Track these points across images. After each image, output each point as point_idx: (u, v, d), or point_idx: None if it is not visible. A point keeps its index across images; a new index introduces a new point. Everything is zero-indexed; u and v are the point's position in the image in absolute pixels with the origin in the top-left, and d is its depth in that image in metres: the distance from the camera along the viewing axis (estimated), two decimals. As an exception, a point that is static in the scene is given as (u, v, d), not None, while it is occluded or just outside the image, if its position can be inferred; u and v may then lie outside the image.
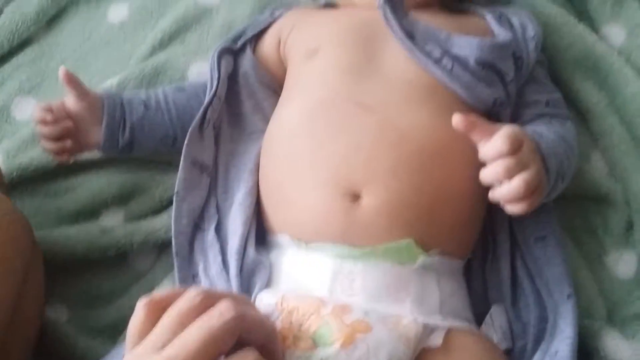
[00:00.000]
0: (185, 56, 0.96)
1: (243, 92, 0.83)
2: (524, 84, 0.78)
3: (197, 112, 0.80)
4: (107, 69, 0.98)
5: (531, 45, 0.77)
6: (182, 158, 0.76)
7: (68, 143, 0.79)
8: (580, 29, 0.87)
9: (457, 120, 0.60)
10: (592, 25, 0.90)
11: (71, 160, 0.84)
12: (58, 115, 0.78)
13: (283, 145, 0.73)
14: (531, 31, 0.78)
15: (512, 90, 0.75)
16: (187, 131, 0.78)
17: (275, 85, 0.84)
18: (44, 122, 0.78)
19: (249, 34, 0.85)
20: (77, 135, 0.80)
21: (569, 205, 0.81)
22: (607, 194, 0.84)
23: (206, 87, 0.83)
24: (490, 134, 0.61)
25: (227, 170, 0.79)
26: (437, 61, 0.70)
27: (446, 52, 0.71)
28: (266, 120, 0.80)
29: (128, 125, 0.81)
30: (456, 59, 0.71)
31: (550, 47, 0.87)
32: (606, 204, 0.83)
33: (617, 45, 0.88)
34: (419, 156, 0.67)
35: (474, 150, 0.63)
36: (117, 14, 1.02)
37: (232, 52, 0.84)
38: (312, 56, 0.76)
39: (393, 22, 0.71)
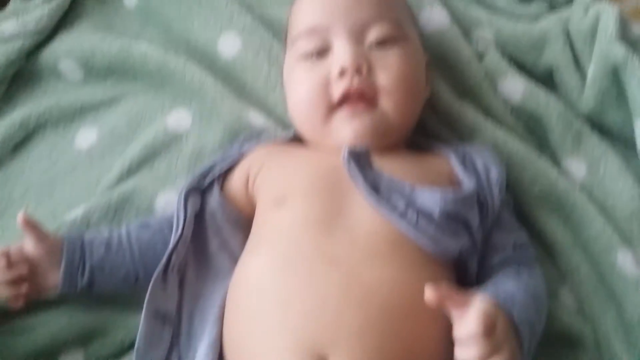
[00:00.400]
0: (153, 184, 0.95)
1: (209, 231, 0.82)
2: (490, 228, 0.78)
3: (161, 249, 0.79)
4: (73, 196, 0.97)
5: (495, 190, 0.78)
6: (144, 310, 0.74)
7: (24, 288, 0.78)
8: (542, 164, 0.89)
9: (429, 293, 0.60)
10: (554, 158, 0.92)
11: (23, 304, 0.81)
12: (14, 260, 0.77)
13: (248, 300, 0.71)
14: (495, 175, 0.79)
15: (478, 238, 0.75)
16: (149, 269, 0.78)
17: (242, 222, 0.83)
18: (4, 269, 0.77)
19: (217, 171, 0.85)
20: (34, 279, 0.79)
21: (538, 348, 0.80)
22: (577, 335, 0.83)
23: (172, 222, 0.82)
24: (464, 305, 0.61)
25: (192, 315, 0.77)
26: (402, 214, 0.71)
27: (410, 205, 0.71)
28: (232, 259, 0.79)
29: (87, 267, 0.80)
30: (421, 211, 0.71)
31: (513, 182, 0.89)
32: (576, 346, 0.82)
33: (578, 179, 0.90)
34: (385, 315, 0.66)
35: (441, 311, 0.63)
36: (85, 139, 1.02)
37: (199, 191, 0.84)
38: (280, 205, 0.76)
39: (357, 176, 0.72)
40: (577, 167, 0.90)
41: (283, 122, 0.96)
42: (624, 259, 0.83)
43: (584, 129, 0.91)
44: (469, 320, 0.61)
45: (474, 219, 0.74)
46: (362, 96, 0.78)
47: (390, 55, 0.80)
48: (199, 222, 0.82)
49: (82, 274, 0.80)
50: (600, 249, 0.84)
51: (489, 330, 0.61)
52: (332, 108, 0.80)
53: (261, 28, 1.01)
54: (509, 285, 0.72)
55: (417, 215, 0.71)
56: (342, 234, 0.71)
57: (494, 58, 0.95)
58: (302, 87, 0.82)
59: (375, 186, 0.72)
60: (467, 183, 0.77)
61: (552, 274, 0.88)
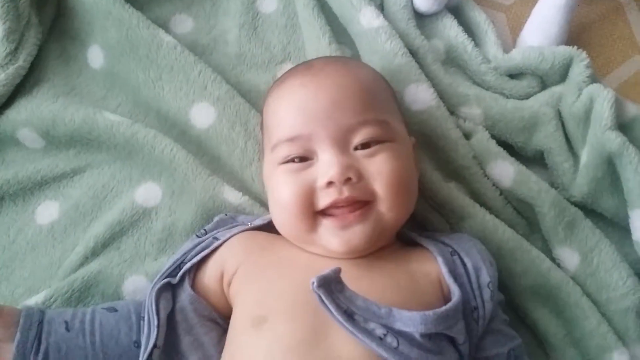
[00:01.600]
0: (119, 266, 0.91)
1: (180, 327, 0.77)
2: (482, 336, 0.75)
3: (125, 338, 0.77)
4: (33, 278, 0.93)
5: (486, 294, 0.75)
6: None
7: None
8: (534, 254, 0.86)
9: None
10: (545, 245, 0.90)
11: None
12: None
13: None
14: (485, 276, 0.76)
15: (465, 351, 0.72)
16: (109, 358, 0.76)
17: (216, 317, 0.79)
18: None
19: (188, 263, 0.81)
20: None
21: None
22: None
23: (140, 307, 0.80)
24: None
25: None
26: (381, 340, 0.66)
27: (389, 329, 0.67)
28: (206, 359, 0.76)
29: (43, 346, 0.76)
30: (400, 334, 0.67)
31: (504, 272, 0.86)
32: None
33: (571, 269, 0.88)
34: None
35: None
36: (46, 215, 0.97)
37: (170, 287, 0.79)
38: (258, 326, 0.72)
39: (330, 306, 0.66)
40: (569, 256, 0.88)
41: (260, 199, 0.93)
42: (619, 359, 0.81)
43: (577, 216, 0.89)
44: None
45: (459, 333, 0.71)
46: (354, 203, 0.74)
47: (379, 159, 0.76)
48: (170, 319, 0.77)
49: (36, 354, 0.76)
50: (595, 347, 0.83)
51: None
52: (317, 215, 0.76)
53: (237, 98, 0.97)
54: None
55: (398, 340, 0.66)
56: None
57: (482, 138, 0.92)
58: (285, 193, 0.77)
59: (349, 313, 0.67)
60: (454, 292, 0.73)
61: (546, 369, 0.85)
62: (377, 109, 0.78)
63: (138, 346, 0.77)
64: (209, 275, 0.81)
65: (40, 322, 0.77)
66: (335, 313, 0.66)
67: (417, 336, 0.67)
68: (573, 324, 0.84)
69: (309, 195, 0.75)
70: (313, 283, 0.66)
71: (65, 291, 0.86)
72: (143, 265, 0.91)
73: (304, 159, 0.77)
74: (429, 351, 0.67)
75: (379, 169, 0.75)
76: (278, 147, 0.79)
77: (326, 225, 0.75)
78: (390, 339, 0.66)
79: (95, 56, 1.02)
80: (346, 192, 0.73)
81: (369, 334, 0.66)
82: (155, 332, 0.74)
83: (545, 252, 0.88)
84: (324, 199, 0.74)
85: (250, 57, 1.04)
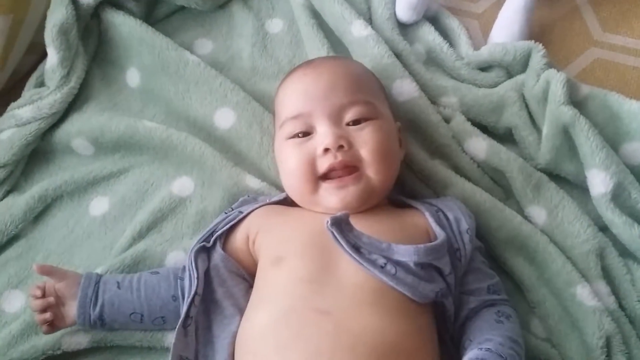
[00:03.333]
0: (162, 245, 1.07)
1: (215, 281, 0.94)
2: (464, 274, 0.91)
3: (164, 294, 0.95)
4: (90, 260, 1.09)
5: (466, 237, 0.91)
6: (170, 355, 0.86)
7: (48, 315, 0.93)
8: (507, 212, 1.01)
9: None
10: (517, 206, 1.05)
11: (54, 331, 0.95)
12: (46, 292, 0.94)
13: (255, 349, 0.83)
14: (464, 224, 0.92)
15: (451, 281, 0.88)
16: (152, 309, 0.94)
17: (244, 273, 0.96)
18: (34, 296, 0.94)
19: (219, 232, 0.97)
20: (59, 309, 0.95)
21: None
22: (546, 360, 0.94)
23: (178, 271, 0.96)
24: None
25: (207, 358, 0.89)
26: (382, 268, 0.83)
27: (389, 259, 0.84)
28: (236, 305, 0.91)
29: (99, 302, 0.94)
30: (398, 264, 0.83)
31: (482, 228, 1.01)
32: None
33: (540, 224, 1.02)
34: (374, 359, 0.77)
35: (425, 349, 0.78)
36: (98, 208, 1.14)
37: (205, 250, 0.96)
38: (278, 264, 0.88)
39: (341, 240, 0.84)
40: (538, 213, 1.03)
41: (276, 184, 1.09)
42: (582, 292, 0.95)
43: (543, 179, 1.04)
44: None
45: (446, 265, 0.87)
46: (346, 167, 0.91)
47: (366, 132, 0.93)
48: (206, 275, 0.94)
49: (94, 307, 0.94)
50: (561, 284, 0.96)
51: None
52: (319, 179, 0.93)
53: (253, 102, 1.15)
54: (494, 341, 0.82)
55: (396, 268, 0.83)
56: (331, 288, 0.83)
57: (459, 121, 1.09)
58: (291, 163, 0.94)
59: (356, 247, 0.84)
60: (439, 234, 0.89)
61: (523, 307, 1.00)
62: (365, 92, 0.96)
63: (175, 299, 0.95)
64: (236, 239, 0.97)
65: (97, 282, 0.96)
66: (345, 246, 0.83)
67: (412, 265, 0.83)
68: (543, 266, 0.98)
69: (311, 162, 0.92)
70: (327, 222, 0.83)
71: (118, 267, 1.03)
72: (181, 243, 1.07)
73: (306, 133, 0.94)
74: (421, 278, 0.84)
75: (365, 139, 0.92)
76: (285, 124, 0.96)
77: (325, 187, 0.92)
78: (390, 267, 0.83)
79: (133, 76, 1.21)
80: (339, 157, 0.90)
81: (373, 263, 0.83)
82: (195, 283, 0.90)
83: (518, 212, 1.02)
84: (323, 164, 0.91)
85: (262, 69, 1.23)
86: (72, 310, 0.95)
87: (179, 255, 1.06)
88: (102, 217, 1.13)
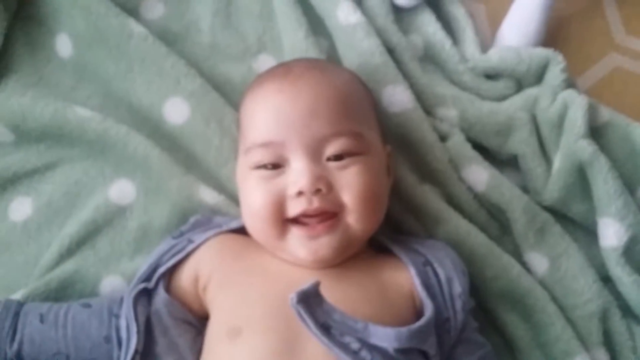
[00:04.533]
0: (96, 267, 0.92)
1: (156, 330, 0.80)
2: (453, 346, 0.79)
3: (95, 333, 0.81)
4: (9, 276, 0.93)
5: (458, 304, 0.78)
6: None
7: None
8: (505, 260, 0.89)
9: None
10: (516, 249, 0.92)
11: None
12: None
13: None
14: (458, 287, 0.79)
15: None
16: (81, 351, 0.80)
17: (190, 319, 0.82)
18: None
19: (162, 268, 0.82)
20: None
21: None
22: None
23: (113, 304, 0.83)
24: None
25: None
26: (356, 354, 0.69)
27: (364, 344, 0.70)
28: None
29: (18, 337, 0.80)
30: (375, 349, 0.70)
31: (475, 276, 0.88)
32: None
33: (539, 274, 0.91)
34: None
35: None
36: (19, 211, 0.96)
37: (146, 292, 0.81)
38: (234, 338, 0.74)
39: (308, 321, 0.69)
40: (538, 261, 0.91)
41: (236, 198, 0.92)
42: (582, 364, 0.85)
43: (548, 222, 0.92)
44: None
45: (431, 347, 0.74)
46: (322, 214, 0.76)
47: (350, 172, 0.77)
48: (146, 323, 0.80)
49: (11, 343, 0.80)
50: (559, 352, 0.86)
51: None
52: (287, 222, 0.77)
53: (212, 93, 0.96)
54: None
55: (372, 354, 0.70)
56: None
57: (458, 141, 0.93)
58: (255, 201, 0.78)
59: (326, 326, 0.70)
60: (427, 306, 0.76)
61: (513, 369, 0.90)
62: (352, 120, 0.79)
63: (108, 341, 0.81)
64: (183, 279, 0.83)
65: (17, 314, 0.81)
66: (312, 327, 0.69)
67: (391, 351, 0.70)
68: (539, 328, 0.87)
69: (279, 203, 0.77)
70: (292, 298, 0.68)
71: (42, 291, 0.88)
72: (119, 265, 0.92)
73: (276, 165, 0.78)
74: None
75: (349, 182, 0.77)
76: (251, 151, 0.80)
77: (295, 234, 0.77)
78: (365, 353, 0.69)
79: (64, 45, 1.00)
80: (316, 203, 0.75)
81: (345, 347, 0.69)
82: (135, 338, 0.76)
83: (515, 255, 0.90)
84: (294, 208, 0.76)
85: (224, 47, 1.02)
86: None
87: (115, 281, 0.90)
88: (23, 224, 0.95)
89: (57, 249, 0.91)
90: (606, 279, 0.90)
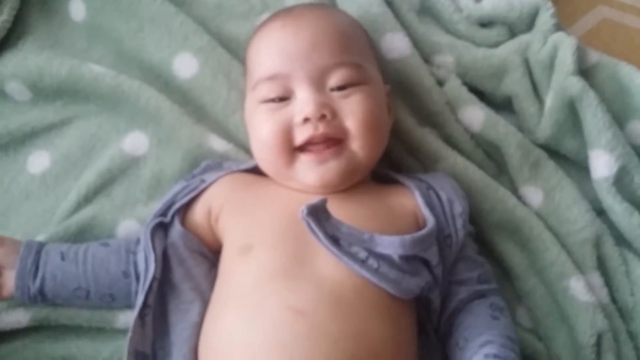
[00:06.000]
0: (112, 213, 0.96)
1: (173, 261, 0.84)
2: (454, 262, 0.83)
3: (114, 269, 0.85)
4: (29, 225, 0.97)
5: (459, 222, 0.83)
6: (126, 352, 0.78)
7: None
8: (501, 192, 0.94)
9: None
10: (512, 184, 0.97)
11: None
12: None
13: (222, 353, 0.74)
14: (458, 207, 0.84)
15: (438, 273, 0.80)
16: (99, 286, 0.85)
17: (205, 251, 0.86)
18: None
19: (177, 204, 0.87)
20: None
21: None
22: (531, 353, 0.90)
23: (130, 244, 0.87)
24: None
25: (166, 354, 0.80)
26: (363, 262, 0.74)
27: (371, 253, 0.75)
28: (197, 289, 0.83)
29: (40, 274, 0.84)
30: (381, 257, 0.75)
31: (473, 209, 0.93)
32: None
33: (535, 206, 0.95)
34: None
35: (405, 351, 0.72)
36: (37, 164, 1.01)
37: (162, 225, 0.85)
38: (246, 254, 0.79)
39: (318, 232, 0.74)
40: (534, 194, 0.95)
41: (244, 147, 0.98)
42: (576, 285, 0.90)
43: (542, 157, 0.96)
44: None
45: (433, 256, 0.79)
46: (328, 140, 0.80)
47: (353, 100, 0.82)
48: (163, 254, 0.84)
49: (34, 279, 0.84)
50: (554, 275, 0.91)
51: None
52: (295, 151, 0.82)
53: (218, 49, 1.01)
54: (496, 343, 0.75)
55: (378, 262, 0.75)
56: (307, 284, 0.74)
57: (454, 85, 0.98)
58: (264, 131, 0.83)
59: (335, 238, 0.75)
60: (429, 220, 0.81)
61: (509, 295, 0.94)
62: (353, 52, 0.84)
63: (126, 276, 0.85)
64: (197, 213, 0.87)
65: (39, 252, 0.85)
66: (322, 238, 0.74)
67: (396, 258, 0.75)
68: (535, 255, 0.92)
69: (287, 132, 0.81)
70: (303, 211, 0.73)
71: (62, 235, 0.92)
72: (134, 210, 0.96)
73: (283, 98, 0.83)
74: (406, 272, 0.76)
75: (352, 109, 0.81)
76: (258, 86, 0.84)
77: (303, 161, 0.82)
78: (372, 261, 0.74)
79: (77, 8, 1.05)
80: (321, 129, 0.80)
81: (353, 256, 0.74)
82: (153, 266, 0.81)
83: (511, 191, 0.95)
84: (301, 135, 0.80)
85: (230, 7, 1.07)
86: (9, 281, 0.85)
87: (131, 225, 0.95)
88: (42, 175, 1.00)
89: (74, 197, 0.96)
90: (599, 213, 0.95)
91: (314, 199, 0.75)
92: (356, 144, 0.81)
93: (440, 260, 0.80)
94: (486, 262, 0.88)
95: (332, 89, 0.82)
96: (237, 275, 0.79)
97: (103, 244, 0.88)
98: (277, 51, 0.83)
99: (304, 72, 0.81)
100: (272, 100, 0.83)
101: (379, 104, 0.85)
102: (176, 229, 0.85)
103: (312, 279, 0.75)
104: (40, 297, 0.85)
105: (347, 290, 0.74)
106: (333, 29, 0.84)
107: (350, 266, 0.74)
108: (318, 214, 0.75)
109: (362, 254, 0.75)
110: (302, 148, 0.82)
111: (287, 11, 0.89)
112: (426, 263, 0.79)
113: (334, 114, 0.81)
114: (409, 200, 0.85)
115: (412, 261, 0.77)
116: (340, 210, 0.77)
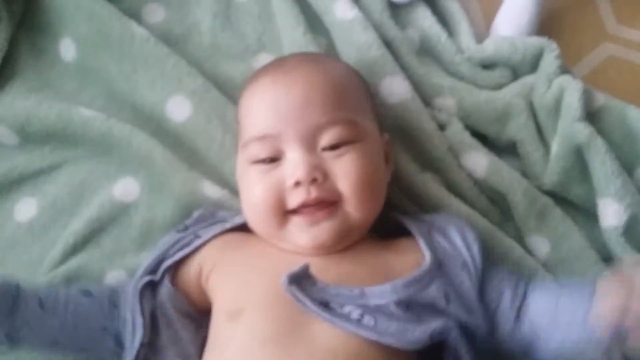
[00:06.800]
0: (100, 262, 0.93)
1: (161, 322, 0.80)
2: (481, 289, 0.78)
3: (95, 324, 0.80)
4: (15, 275, 0.89)
5: (474, 248, 0.79)
6: None
7: None
8: (507, 243, 0.90)
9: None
10: (517, 233, 0.94)
11: None
12: None
13: None
14: (470, 234, 0.81)
15: (455, 310, 0.75)
16: (78, 341, 0.80)
17: (193, 313, 0.82)
18: None
19: (169, 261, 0.83)
20: None
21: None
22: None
23: (114, 293, 0.83)
24: None
25: None
26: (359, 321, 0.70)
27: (365, 308, 0.71)
28: (182, 356, 0.78)
29: (13, 319, 0.77)
30: (377, 310, 0.71)
31: (478, 260, 0.88)
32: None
33: (541, 257, 0.91)
34: None
35: None
36: (24, 211, 0.98)
37: (150, 285, 0.82)
38: (235, 318, 0.75)
39: (304, 300, 0.71)
40: (540, 244, 0.92)
41: (238, 193, 0.92)
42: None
43: (548, 205, 0.93)
44: None
45: (437, 295, 0.74)
46: (321, 203, 0.77)
47: (346, 160, 0.78)
48: (151, 315, 0.80)
49: (8, 322, 0.77)
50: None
51: None
52: (287, 213, 0.79)
53: (213, 91, 0.98)
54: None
55: (375, 318, 0.70)
56: (299, 351, 0.70)
57: (456, 130, 0.95)
58: (255, 194, 0.80)
59: (324, 302, 0.71)
60: (426, 256, 0.77)
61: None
62: (346, 108, 0.81)
63: (104, 332, 0.81)
64: (188, 272, 0.83)
65: (16, 296, 0.78)
66: (310, 305, 0.70)
67: (393, 307, 0.71)
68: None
69: (278, 195, 0.78)
70: (284, 282, 0.70)
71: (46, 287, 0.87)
72: (123, 260, 0.93)
73: (274, 159, 0.80)
74: (408, 321, 0.71)
75: (345, 170, 0.78)
76: (249, 146, 0.81)
77: (295, 222, 0.78)
78: (367, 319, 0.70)
79: (67, 49, 1.03)
80: (314, 193, 0.76)
81: (346, 318, 0.70)
82: (141, 331, 0.77)
83: (517, 239, 0.91)
84: (293, 200, 0.77)
85: (225, 47, 1.05)
86: None
87: (119, 276, 0.91)
88: (28, 224, 0.96)
89: (62, 247, 0.93)
90: (607, 261, 0.91)
91: (295, 267, 0.71)
92: (350, 206, 0.78)
93: (456, 296, 0.76)
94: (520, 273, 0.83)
95: (324, 149, 0.79)
96: (227, 341, 0.75)
97: (85, 293, 0.83)
98: (267, 109, 0.80)
99: (294, 132, 0.78)
100: (263, 161, 0.80)
101: (374, 161, 0.82)
102: (166, 288, 0.81)
103: (306, 347, 0.70)
104: (11, 344, 0.78)
105: (342, 357, 0.70)
106: (325, 83, 0.81)
107: (346, 328, 0.70)
108: (301, 280, 0.71)
109: (356, 313, 0.71)
110: (294, 210, 0.78)
111: (279, 65, 0.86)
112: (431, 306, 0.74)
113: (326, 176, 0.77)
114: (411, 253, 0.81)
115: (414, 307, 0.73)
116: (329, 274, 0.74)
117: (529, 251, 0.91)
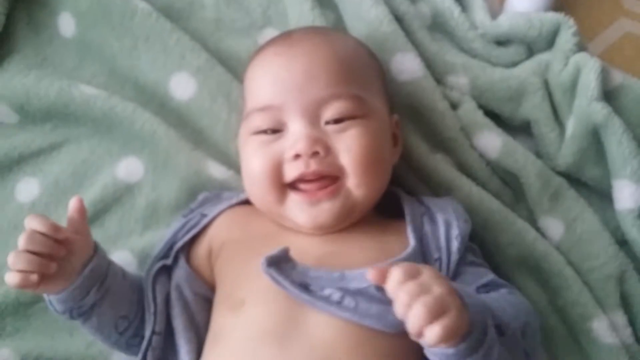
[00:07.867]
0: (104, 244, 0.88)
1: (176, 306, 0.79)
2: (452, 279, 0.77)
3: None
4: None
5: (454, 245, 0.77)
6: None
7: (53, 267, 0.70)
8: (520, 225, 0.89)
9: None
10: (530, 214, 0.92)
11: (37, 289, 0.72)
12: (61, 237, 0.71)
13: None
14: (455, 230, 0.78)
15: None
16: (141, 317, 0.79)
17: (209, 295, 0.81)
18: (54, 234, 0.71)
19: (180, 243, 0.82)
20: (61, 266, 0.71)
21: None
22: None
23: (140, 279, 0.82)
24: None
25: None
26: (339, 303, 0.69)
27: (346, 291, 0.70)
28: (196, 340, 0.78)
29: (105, 286, 0.75)
30: (357, 293, 0.70)
31: (490, 243, 0.89)
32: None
33: (555, 239, 0.90)
34: None
35: None
36: (26, 192, 0.96)
37: (165, 269, 0.81)
38: (237, 309, 0.74)
39: (283, 282, 0.69)
40: (554, 226, 0.90)
41: (246, 173, 0.91)
42: (599, 327, 0.85)
43: (562, 186, 0.91)
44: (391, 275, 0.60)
45: None
46: (321, 178, 0.76)
47: (349, 135, 0.77)
48: (165, 299, 0.80)
49: (98, 290, 0.75)
50: (577, 315, 0.86)
51: (412, 274, 0.60)
52: (285, 187, 0.77)
53: (218, 67, 0.96)
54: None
55: (355, 300, 0.69)
56: (299, 345, 0.70)
57: (469, 109, 0.93)
58: (253, 165, 0.79)
59: (305, 285, 0.70)
60: (410, 244, 0.76)
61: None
62: (352, 82, 0.79)
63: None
64: (200, 251, 0.83)
65: (110, 263, 0.78)
66: (289, 287, 0.69)
67: (373, 290, 0.69)
68: (556, 293, 0.87)
69: (277, 167, 0.77)
70: (263, 264, 0.69)
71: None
72: (128, 241, 0.92)
73: (275, 130, 0.78)
74: (389, 303, 0.68)
75: (348, 144, 0.76)
76: (250, 116, 0.80)
77: (294, 200, 0.77)
78: (348, 300, 0.69)
79: (67, 24, 1.00)
80: (313, 166, 0.75)
81: (326, 299, 0.70)
82: (152, 319, 0.77)
83: (530, 221, 0.90)
84: (291, 172, 0.76)
85: (229, 22, 1.02)
86: (70, 274, 0.73)
87: (124, 256, 0.90)
88: (31, 204, 0.95)
89: (65, 228, 0.91)
90: (621, 243, 0.90)
91: (277, 250, 0.70)
92: (352, 183, 0.76)
93: None
94: (489, 271, 0.80)
95: (328, 123, 0.77)
96: (228, 331, 0.74)
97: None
98: (269, 81, 0.79)
99: (297, 104, 0.76)
100: (264, 132, 0.78)
101: (379, 138, 0.79)
102: (182, 269, 0.81)
103: (304, 340, 0.70)
104: (87, 311, 0.75)
105: (341, 349, 0.69)
106: (330, 56, 0.79)
107: (326, 310, 0.69)
108: (281, 264, 0.70)
109: (336, 295, 0.69)
110: (293, 186, 0.77)
111: (285, 37, 0.84)
112: None
113: (328, 151, 0.76)
114: (402, 237, 0.79)
115: None
116: (328, 255, 0.74)
117: (542, 233, 0.90)
